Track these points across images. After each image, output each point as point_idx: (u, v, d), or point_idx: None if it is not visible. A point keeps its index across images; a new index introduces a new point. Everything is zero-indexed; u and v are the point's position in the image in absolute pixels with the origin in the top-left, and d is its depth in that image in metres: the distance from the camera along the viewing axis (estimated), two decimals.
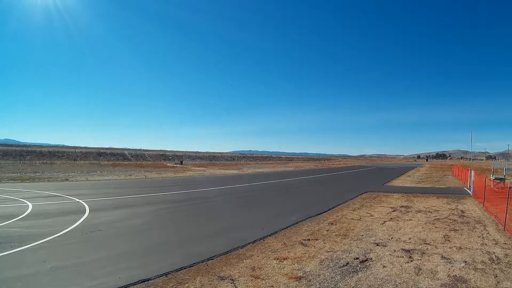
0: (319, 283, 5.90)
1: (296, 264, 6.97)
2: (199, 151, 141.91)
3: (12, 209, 13.09)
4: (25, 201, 15.33)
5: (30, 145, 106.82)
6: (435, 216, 12.70)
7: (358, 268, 6.74)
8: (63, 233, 9.69)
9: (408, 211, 13.69)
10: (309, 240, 9.07)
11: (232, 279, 6.12)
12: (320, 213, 13.34)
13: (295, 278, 6.15)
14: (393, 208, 14.56)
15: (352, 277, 6.23)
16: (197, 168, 56.58)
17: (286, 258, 7.37)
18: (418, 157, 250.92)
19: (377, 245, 8.52)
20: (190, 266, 6.92)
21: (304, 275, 6.33)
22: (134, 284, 5.95)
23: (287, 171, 52.63)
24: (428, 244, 8.64)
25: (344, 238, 9.24)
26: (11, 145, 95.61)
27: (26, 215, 12.18)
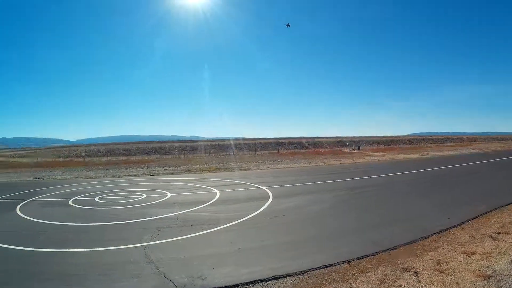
0: (510, 285, 5.57)
1: (484, 261, 6.67)
2: (376, 135, 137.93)
3: (202, 196, 15.45)
4: (212, 188, 17.88)
5: (213, 140, 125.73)
6: None
7: None
8: (249, 218, 10.89)
9: None
10: (500, 233, 8.57)
11: (416, 272, 6.22)
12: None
13: (483, 276, 5.93)
14: None
15: None
16: (375, 153, 56.57)
17: (474, 253, 7.15)
18: None
19: None
20: (372, 254, 7.19)
21: (493, 274, 6.01)
22: (317, 269, 6.41)
23: (470, 153, 49.01)
24: None
25: None
26: (196, 141, 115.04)
27: (214, 201, 14.19)
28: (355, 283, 5.70)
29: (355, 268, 6.40)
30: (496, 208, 11.28)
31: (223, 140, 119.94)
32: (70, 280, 6.07)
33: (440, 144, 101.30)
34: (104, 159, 64.62)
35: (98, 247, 8.01)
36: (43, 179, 26.58)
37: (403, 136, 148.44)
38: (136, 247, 7.95)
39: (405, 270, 6.24)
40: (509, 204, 11.88)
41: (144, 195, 15.88)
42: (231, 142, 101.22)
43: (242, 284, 5.77)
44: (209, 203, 13.68)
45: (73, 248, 7.96)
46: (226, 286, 5.69)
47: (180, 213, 11.74)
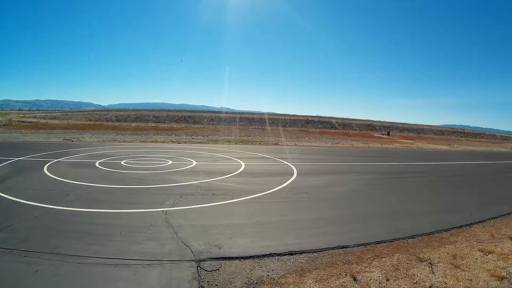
0: None
1: (501, 261, 6.58)
2: (407, 122, 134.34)
3: (227, 167, 15.59)
4: (238, 160, 18.07)
5: (242, 113, 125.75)
6: None
7: None
8: (271, 192, 10.95)
9: None
10: None
11: (431, 263, 6.27)
12: None
13: (497, 277, 5.87)
14: None
15: None
16: (404, 141, 56.57)
17: (491, 252, 7.08)
18: None
19: None
20: (390, 241, 7.26)
21: (508, 276, 5.94)
22: (333, 248, 6.54)
23: (502, 152, 47.48)
24: None
25: None
26: (226, 113, 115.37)
27: (239, 172, 14.30)
28: (369, 267, 5.73)
29: (371, 252, 6.44)
30: None
31: (253, 113, 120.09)
32: (94, 239, 6.24)
33: (471, 138, 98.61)
34: (134, 124, 65.99)
35: (121, 209, 8.22)
36: (72, 141, 27.38)
37: (435, 126, 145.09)
38: (157, 211, 8.11)
39: (420, 260, 6.24)
40: None
41: (170, 162, 16.16)
42: (261, 116, 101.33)
43: (258, 256, 5.83)
44: (233, 174, 13.80)
45: (97, 209, 8.18)
46: (241, 257, 5.76)
47: (203, 182, 11.87)
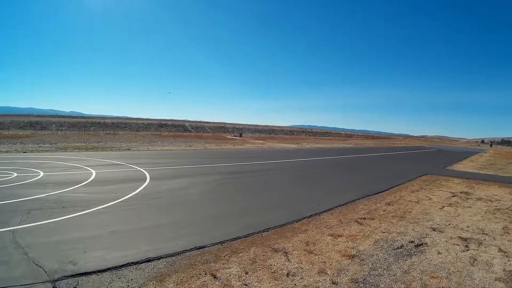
0: (372, 264, 6.24)
1: (350, 242, 7.40)
2: (259, 124, 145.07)
3: (77, 176, 14.51)
4: (89, 168, 16.91)
5: (94, 117, 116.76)
6: (496, 205, 12.57)
7: (412, 252, 7.07)
8: (124, 199, 10.69)
9: (468, 198, 13.83)
10: (365, 219, 9.56)
11: (286, 252, 6.64)
12: (378, 193, 14.02)
13: (348, 256, 6.55)
14: (453, 193, 14.78)
15: (405, 260, 6.55)
16: (256, 141, 59.84)
17: (341, 236, 7.86)
18: (482, 142, 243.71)
19: (434, 230, 8.85)
20: (245, 236, 7.58)
21: (358, 254, 6.72)
22: (190, 250, 6.63)
23: (346, 147, 55.85)
24: (486, 234, 8.73)
25: (400, 220, 9.66)
26: (76, 117, 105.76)
27: (89, 181, 13.48)
28: (227, 263, 6.00)
29: (228, 249, 6.72)
30: (363, 197, 12.79)
31: (104, 118, 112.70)
32: None
33: (319, 137, 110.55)
34: None
35: None
36: None
37: (285, 126, 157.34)
38: (3, 231, 7.24)
39: (275, 250, 6.71)
40: (375, 194, 13.59)
41: (15, 174, 14.28)
42: (113, 121, 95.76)
43: (115, 268, 5.69)
44: (84, 183, 12.97)
45: None
46: (98, 270, 5.56)
47: (52, 194, 10.91)
